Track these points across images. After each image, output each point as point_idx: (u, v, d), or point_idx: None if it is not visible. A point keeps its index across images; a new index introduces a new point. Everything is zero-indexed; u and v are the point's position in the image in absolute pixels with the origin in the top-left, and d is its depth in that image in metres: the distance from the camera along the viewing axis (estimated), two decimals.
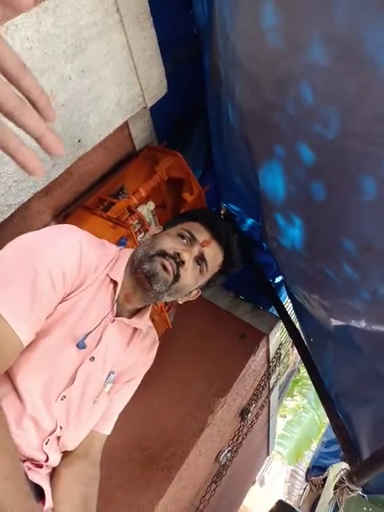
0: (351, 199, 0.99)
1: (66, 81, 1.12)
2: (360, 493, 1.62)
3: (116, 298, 0.85)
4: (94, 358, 0.83)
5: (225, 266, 0.94)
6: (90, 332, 0.81)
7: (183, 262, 0.84)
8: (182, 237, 0.88)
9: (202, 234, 0.89)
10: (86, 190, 1.48)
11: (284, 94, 1.02)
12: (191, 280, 0.88)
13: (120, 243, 1.31)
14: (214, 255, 0.90)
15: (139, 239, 1.45)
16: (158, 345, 1.02)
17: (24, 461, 0.78)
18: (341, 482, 1.63)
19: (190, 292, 0.93)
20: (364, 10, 0.74)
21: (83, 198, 1.47)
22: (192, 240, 0.88)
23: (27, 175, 1.13)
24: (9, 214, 1.13)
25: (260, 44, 1.03)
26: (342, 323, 1.37)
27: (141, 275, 0.83)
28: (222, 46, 1.27)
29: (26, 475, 0.76)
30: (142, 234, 1.53)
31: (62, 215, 1.43)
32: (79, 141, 1.24)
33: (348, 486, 1.55)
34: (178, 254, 0.83)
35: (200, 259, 0.88)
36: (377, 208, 0.94)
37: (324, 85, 0.92)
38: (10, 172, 1.08)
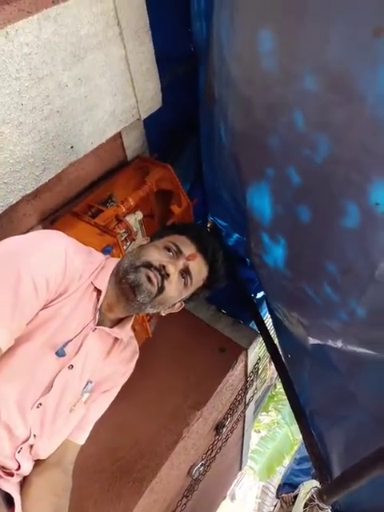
0: (334, 223, 1.02)
1: (63, 88, 1.13)
2: (329, 511, 1.63)
3: (99, 306, 0.85)
4: (72, 366, 0.83)
5: (209, 280, 0.94)
6: (71, 340, 0.80)
7: (168, 275, 0.84)
8: (169, 249, 0.88)
9: (189, 248, 0.89)
10: (74, 195, 1.49)
11: (276, 118, 1.06)
12: (175, 293, 0.88)
13: (106, 251, 1.31)
14: (199, 269, 0.91)
15: (125, 248, 1.46)
16: (138, 355, 1.02)
17: None
18: (311, 499, 1.63)
19: (174, 304, 0.93)
20: (357, 46, 0.78)
21: (72, 204, 1.47)
22: (178, 253, 0.88)
23: (17, 178, 1.12)
24: None
25: (255, 68, 1.06)
26: (319, 342, 1.40)
27: (125, 285, 0.83)
28: (218, 66, 1.30)
29: None
30: (129, 243, 1.54)
31: (49, 219, 1.43)
32: (72, 147, 1.25)
33: (318, 505, 1.56)
34: (164, 267, 0.84)
35: (185, 272, 0.88)
36: (359, 233, 0.98)
37: (315, 112, 0.96)
38: (0, 174, 1.07)
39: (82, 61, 1.15)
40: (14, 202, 1.16)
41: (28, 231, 1.37)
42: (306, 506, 1.67)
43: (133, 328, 1.00)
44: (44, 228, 1.41)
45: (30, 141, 1.11)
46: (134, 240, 1.55)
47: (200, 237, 0.92)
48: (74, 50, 1.12)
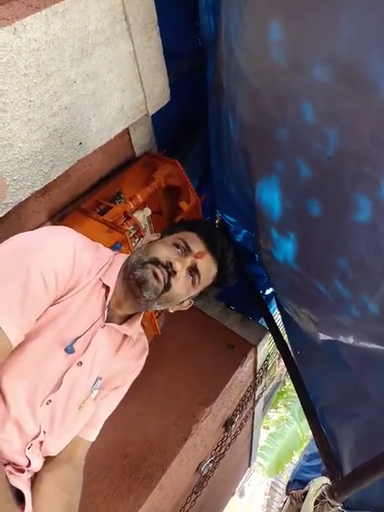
0: (346, 217, 1.01)
1: (71, 84, 1.13)
2: (340, 508, 1.62)
3: (107, 303, 0.85)
4: (81, 363, 0.82)
5: (218, 279, 0.93)
6: (80, 336, 0.80)
7: (175, 272, 0.83)
8: (177, 246, 0.87)
9: (197, 245, 0.88)
10: (83, 192, 1.49)
11: (285, 111, 1.04)
12: (182, 290, 0.87)
13: (114, 248, 1.31)
14: (208, 267, 0.90)
15: (134, 245, 1.45)
16: (147, 352, 1.02)
17: (5, 464, 0.77)
18: (322, 496, 1.62)
19: (182, 302, 0.93)
20: (368, 36, 0.77)
21: (80, 201, 1.47)
22: (186, 250, 0.87)
23: (25, 175, 1.12)
24: (5, 212, 1.12)
25: (264, 60, 1.05)
26: (330, 338, 1.38)
27: (132, 281, 0.83)
28: (227, 58, 1.29)
29: (7, 480, 0.75)
30: (137, 240, 1.53)
31: (58, 216, 1.43)
32: (80, 144, 1.25)
33: (329, 502, 1.55)
34: (171, 264, 0.83)
35: (193, 270, 0.87)
36: (370, 227, 0.96)
37: (324, 104, 0.94)
38: (9, 171, 1.08)
39: (89, 57, 1.15)
40: (23, 198, 1.16)
41: (37, 228, 1.38)
42: (316, 503, 1.66)
43: (142, 325, 0.99)
44: (53, 225, 1.41)
45: (38, 137, 1.11)
46: (142, 237, 1.55)
47: (210, 234, 0.91)
48: (82, 45, 1.11)
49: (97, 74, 1.19)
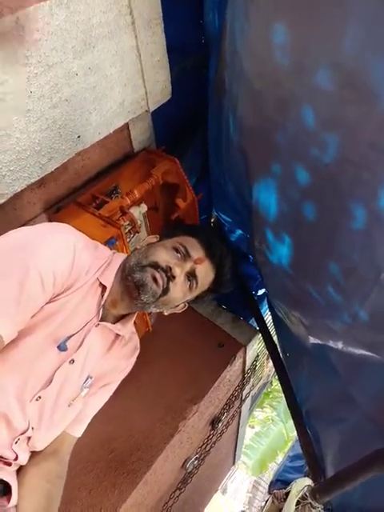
0: (341, 224, 1.01)
1: (72, 76, 1.12)
2: (321, 510, 1.64)
3: (103, 302, 0.85)
4: (73, 360, 0.82)
5: (215, 285, 0.94)
6: (73, 335, 0.80)
7: (174, 277, 0.84)
8: (177, 250, 0.87)
9: (197, 251, 0.89)
10: (80, 185, 1.48)
11: (286, 114, 1.04)
12: (179, 294, 0.88)
13: (109, 243, 1.30)
14: (206, 273, 0.90)
15: (129, 240, 1.45)
16: (138, 351, 1.02)
17: None
18: (304, 498, 1.64)
19: (177, 305, 0.93)
20: (374, 43, 0.77)
21: (76, 194, 1.46)
22: (186, 255, 0.87)
23: (22, 166, 1.11)
24: (0, 203, 1.11)
25: (267, 61, 1.05)
26: (319, 342, 1.39)
27: (130, 283, 0.83)
28: (230, 58, 1.28)
29: None
30: (133, 235, 1.53)
31: (54, 209, 1.42)
32: (79, 137, 1.24)
33: (310, 503, 1.57)
34: (170, 268, 0.84)
35: (191, 275, 0.88)
36: (364, 234, 0.97)
37: (326, 109, 0.94)
38: (6, 161, 1.07)
39: (92, 49, 1.14)
40: (19, 190, 1.15)
41: (32, 219, 1.37)
42: (298, 503, 1.68)
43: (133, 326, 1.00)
44: (48, 217, 1.40)
45: (37, 129, 1.10)
46: (137, 232, 1.54)
47: (209, 241, 0.92)
48: (85, 38, 1.10)
49: (99, 67, 1.18)
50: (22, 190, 1.17)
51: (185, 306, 0.97)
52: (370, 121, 0.85)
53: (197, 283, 0.89)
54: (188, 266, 0.87)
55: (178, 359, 2.03)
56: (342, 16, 0.82)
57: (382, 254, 0.92)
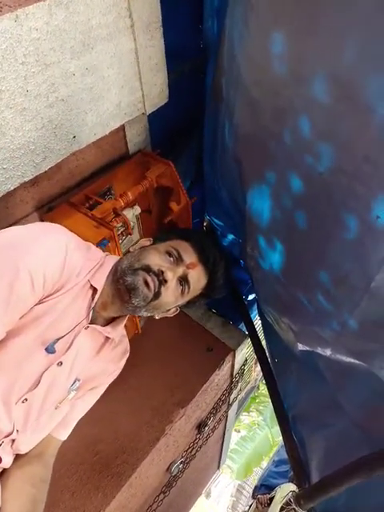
0: (333, 233, 1.02)
1: (69, 77, 1.11)
2: None
3: (93, 304, 0.84)
4: (61, 363, 0.82)
5: (207, 290, 0.94)
6: (62, 337, 0.79)
7: (166, 281, 0.83)
8: (170, 254, 0.87)
9: (190, 256, 0.89)
10: (73, 185, 1.47)
11: (282, 123, 1.06)
12: (171, 299, 0.87)
13: (101, 244, 1.30)
14: (198, 278, 0.90)
15: (121, 242, 1.44)
16: (128, 354, 1.01)
17: None
18: (288, 503, 1.65)
19: (168, 309, 0.93)
20: (372, 57, 0.78)
21: (70, 194, 1.45)
22: (178, 259, 0.87)
23: (16, 164, 1.10)
24: None
25: (265, 70, 1.06)
26: (308, 348, 1.40)
27: (122, 286, 0.83)
28: (228, 64, 1.29)
29: None
30: (125, 237, 1.52)
31: (46, 208, 1.41)
32: (74, 137, 1.23)
33: (294, 509, 1.58)
34: (162, 272, 0.83)
35: (183, 280, 0.88)
36: (356, 244, 0.98)
37: (321, 120, 0.95)
38: None
39: (90, 50, 1.13)
40: (12, 188, 1.14)
41: (23, 218, 1.35)
42: (282, 509, 1.69)
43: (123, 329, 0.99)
44: (40, 216, 1.39)
45: (32, 127, 1.09)
46: (130, 234, 1.54)
47: (203, 246, 0.92)
48: (84, 38, 1.10)
49: (96, 68, 1.18)
50: (14, 189, 1.16)
51: (176, 310, 0.96)
52: (364, 134, 0.86)
53: (189, 288, 0.88)
54: (180, 270, 0.86)
55: (167, 362, 2.03)
56: (341, 28, 0.83)
57: (373, 263, 0.93)
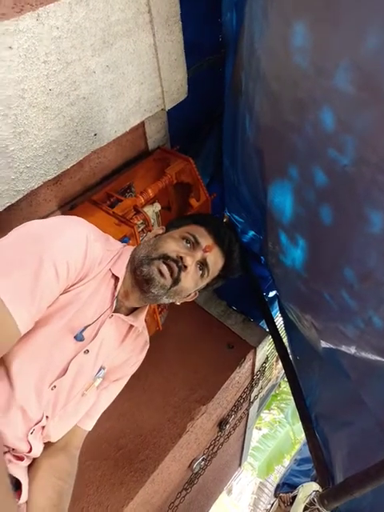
0: (357, 228, 1.00)
1: (90, 74, 1.12)
2: None
3: (116, 293, 0.85)
4: (88, 350, 0.83)
5: (224, 271, 0.95)
6: (89, 325, 0.81)
7: (186, 267, 0.84)
8: (186, 240, 0.88)
9: (206, 239, 0.90)
10: (95, 183, 1.48)
11: (304, 116, 1.03)
12: (191, 284, 0.88)
13: (122, 241, 1.31)
14: (216, 260, 0.91)
15: (141, 239, 1.45)
16: (148, 346, 1.02)
17: (5, 452, 0.77)
18: (311, 503, 1.62)
19: (189, 294, 0.94)
20: None
21: (91, 192, 1.47)
22: (195, 244, 0.88)
23: (39, 163, 1.11)
24: (16, 199, 1.12)
25: (286, 63, 1.04)
26: (331, 346, 1.38)
27: (139, 277, 0.84)
28: (247, 58, 1.27)
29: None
30: (145, 234, 1.53)
31: (68, 206, 1.43)
32: (95, 134, 1.24)
33: (318, 508, 1.56)
34: (181, 258, 0.84)
35: (202, 264, 0.89)
36: (380, 240, 0.95)
37: (344, 111, 0.93)
38: (23, 158, 1.07)
39: (110, 47, 1.14)
40: (36, 186, 1.16)
41: (47, 216, 1.38)
42: (305, 509, 1.67)
43: (144, 320, 1.00)
44: (63, 214, 1.41)
45: (54, 126, 1.11)
46: (150, 231, 1.54)
47: (217, 228, 0.93)
48: (104, 35, 1.10)
49: (116, 65, 1.18)
50: (38, 187, 1.18)
51: (196, 294, 0.97)
52: None
53: (208, 271, 0.89)
54: (199, 254, 0.87)
55: (188, 359, 2.03)
56: (362, 17, 0.80)
57: None
